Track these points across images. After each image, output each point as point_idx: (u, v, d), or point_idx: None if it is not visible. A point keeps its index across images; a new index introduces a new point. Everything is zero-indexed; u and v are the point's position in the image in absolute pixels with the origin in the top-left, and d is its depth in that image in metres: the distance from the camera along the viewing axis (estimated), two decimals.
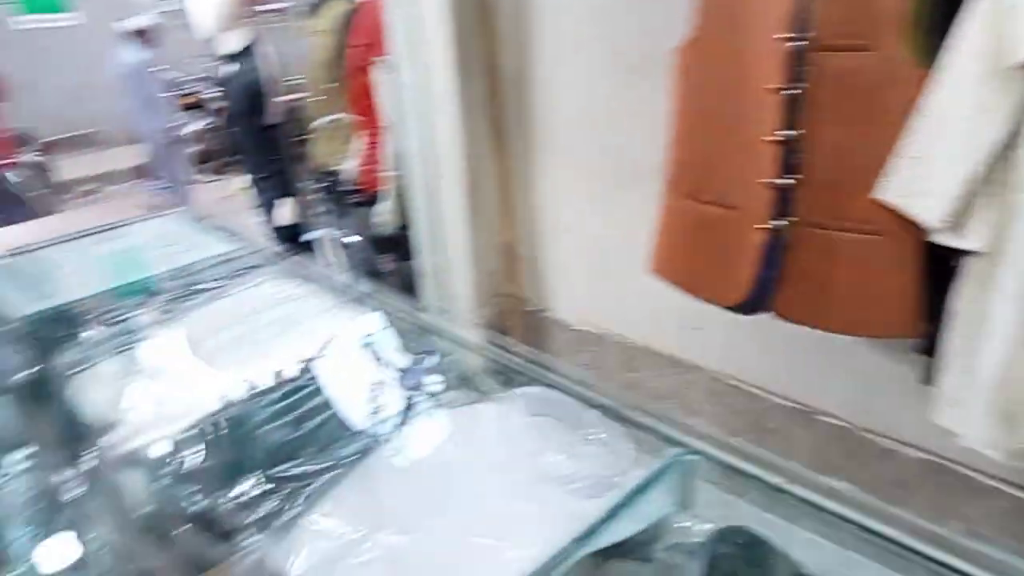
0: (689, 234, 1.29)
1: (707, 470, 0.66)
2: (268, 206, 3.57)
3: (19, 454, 1.34)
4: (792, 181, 1.11)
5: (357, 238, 3.20)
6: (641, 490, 0.62)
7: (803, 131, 1.08)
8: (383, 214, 2.51)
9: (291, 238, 3.48)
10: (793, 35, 1.01)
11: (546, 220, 2.06)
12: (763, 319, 1.25)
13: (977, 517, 1.32)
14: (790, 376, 1.57)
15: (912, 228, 1.00)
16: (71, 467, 1.00)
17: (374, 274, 2.99)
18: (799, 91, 1.05)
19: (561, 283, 2.10)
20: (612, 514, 0.59)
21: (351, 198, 2.91)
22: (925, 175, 0.94)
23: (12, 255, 1.36)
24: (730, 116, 1.15)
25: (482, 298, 2.23)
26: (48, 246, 1.45)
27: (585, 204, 1.91)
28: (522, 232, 2.14)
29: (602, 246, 1.91)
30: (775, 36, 1.01)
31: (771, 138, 1.06)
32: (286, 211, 3.53)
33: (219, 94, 7.23)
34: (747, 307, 1.25)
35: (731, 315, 1.27)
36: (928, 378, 1.07)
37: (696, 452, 0.66)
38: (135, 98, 5.30)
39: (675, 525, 0.63)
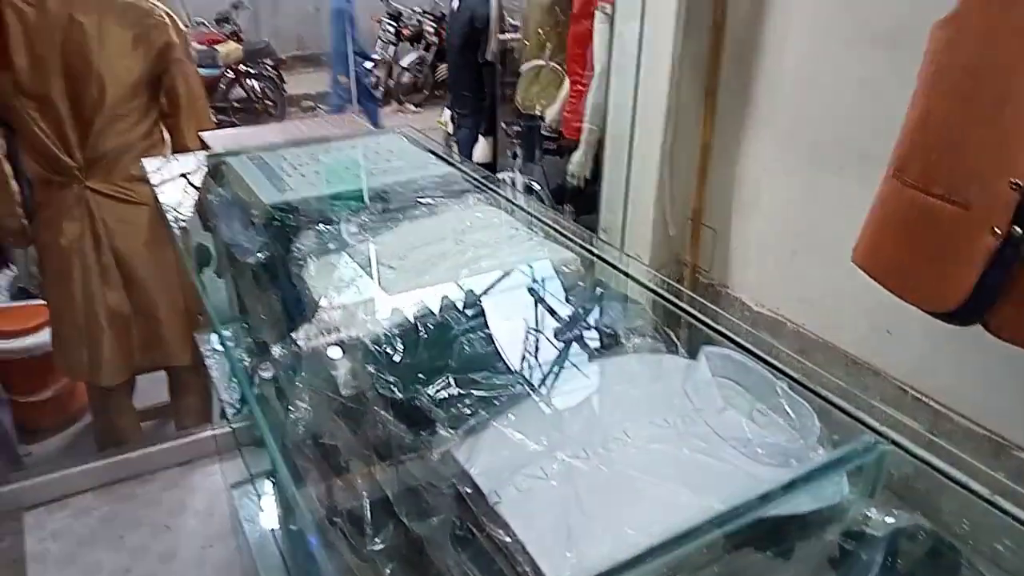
0: (907, 228, 1.21)
1: (901, 463, 0.64)
2: (465, 141, 3.73)
3: (241, 324, 1.54)
4: None
5: (537, 186, 3.28)
6: (826, 468, 0.61)
7: None
8: (576, 164, 2.54)
9: None
10: None
11: (741, 194, 2.00)
12: (966, 333, 1.15)
13: None
14: (987, 400, 1.44)
15: None
16: (283, 343, 1.13)
17: None
18: None
19: (745, 260, 2.03)
20: (793, 485, 0.59)
21: (546, 144, 2.98)
22: None
23: (260, 151, 1.55)
24: (987, 104, 1.05)
25: (658, 261, 2.21)
26: (285, 147, 1.63)
27: (786, 183, 1.83)
28: (713, 202, 2.09)
29: (796, 230, 1.83)
30: None
31: None
32: (482, 149, 3.67)
33: (435, 29, 7.60)
34: (958, 316, 1.15)
35: (930, 322, 1.19)
36: None
37: (892, 442, 0.64)
38: None
39: (856, 512, 0.62)
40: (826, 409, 0.72)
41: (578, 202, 2.88)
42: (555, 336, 0.88)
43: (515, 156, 3.45)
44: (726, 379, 0.75)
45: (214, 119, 2.40)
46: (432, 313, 0.92)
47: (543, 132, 2.97)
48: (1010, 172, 1.04)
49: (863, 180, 1.27)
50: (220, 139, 2.00)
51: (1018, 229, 1.05)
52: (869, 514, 0.60)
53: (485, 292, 0.97)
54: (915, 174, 1.19)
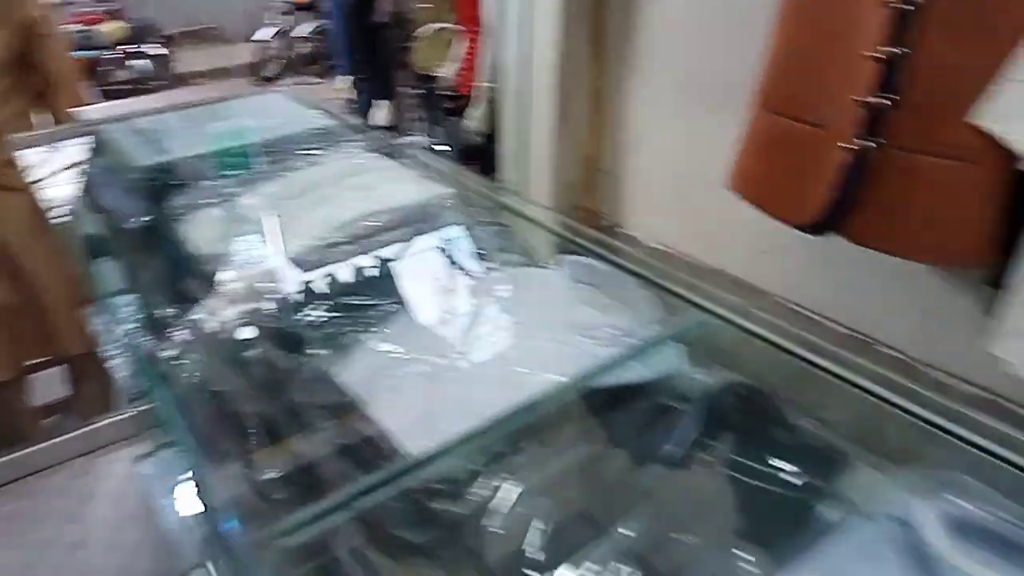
0: (771, 150, 1.29)
1: (728, 336, 0.70)
2: (366, 107, 3.66)
3: (133, 296, 1.51)
4: (887, 101, 1.08)
5: (446, 147, 3.27)
6: (655, 343, 0.67)
7: (908, 49, 1.04)
8: (473, 120, 2.56)
9: None
10: None
11: (630, 135, 2.06)
12: (835, 247, 1.24)
13: None
14: (853, 304, 1.55)
15: (1004, 157, 0.97)
16: (174, 302, 1.13)
17: None
18: (912, 6, 1.01)
19: (637, 199, 2.11)
20: (624, 359, 0.65)
21: (446, 105, 2.97)
22: None
23: (135, 117, 1.51)
24: (834, 29, 1.12)
25: (559, 210, 2.26)
26: (163, 112, 1.59)
27: (670, 121, 1.90)
28: (606, 146, 2.15)
29: (681, 166, 1.91)
30: None
31: (872, 53, 1.03)
32: (382, 113, 3.62)
33: None
34: (818, 228, 1.24)
35: (802, 241, 1.27)
36: (992, 310, 1.05)
37: (718, 317, 0.70)
38: None
39: (686, 379, 0.68)
40: (675, 304, 0.78)
41: (484, 160, 2.89)
42: (428, 260, 0.91)
43: (419, 120, 3.43)
44: (582, 283, 0.80)
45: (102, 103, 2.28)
46: (312, 250, 0.94)
47: (441, 93, 2.96)
48: (855, 90, 1.12)
49: (739, 115, 1.34)
50: (99, 111, 1.93)
51: (861, 142, 1.13)
52: (699, 379, 0.67)
53: (361, 226, 0.99)
54: (776, 100, 1.26)
